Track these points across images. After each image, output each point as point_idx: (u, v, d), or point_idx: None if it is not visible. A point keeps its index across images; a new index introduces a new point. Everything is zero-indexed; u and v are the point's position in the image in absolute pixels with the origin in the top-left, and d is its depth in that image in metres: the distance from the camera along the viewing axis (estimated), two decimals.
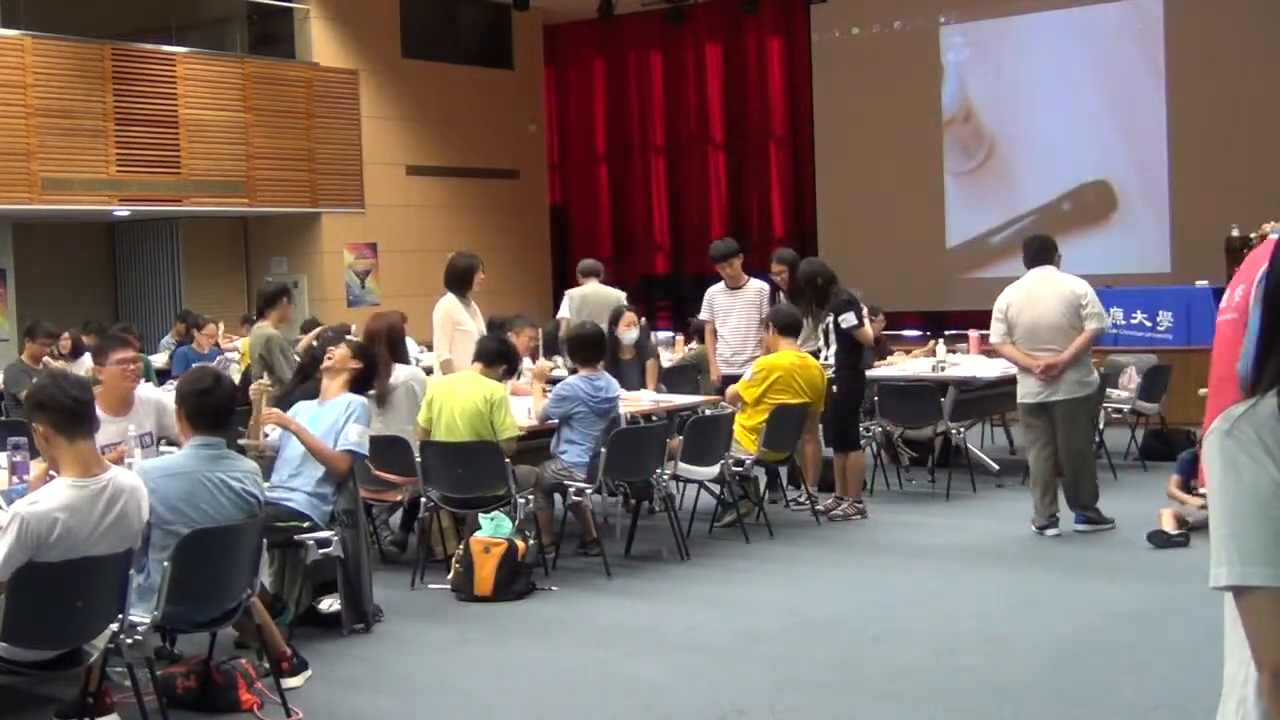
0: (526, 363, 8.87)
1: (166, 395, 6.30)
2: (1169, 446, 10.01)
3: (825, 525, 8.56)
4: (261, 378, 8.57)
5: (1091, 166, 15.62)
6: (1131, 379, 10.53)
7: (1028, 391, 7.95)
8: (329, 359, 6.52)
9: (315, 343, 8.75)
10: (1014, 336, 7.93)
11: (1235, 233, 10.96)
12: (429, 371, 8.49)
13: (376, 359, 6.70)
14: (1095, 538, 7.95)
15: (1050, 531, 7.95)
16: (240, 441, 6.27)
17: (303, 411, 6.33)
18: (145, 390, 6.37)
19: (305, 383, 7.41)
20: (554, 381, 8.01)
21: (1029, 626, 6.17)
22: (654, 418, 8.75)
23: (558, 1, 18.16)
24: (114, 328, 11.37)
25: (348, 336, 6.85)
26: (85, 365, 11.10)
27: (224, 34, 16.63)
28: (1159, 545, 7.42)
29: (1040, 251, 8.09)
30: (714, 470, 8.01)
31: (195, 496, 4.99)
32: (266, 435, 6.43)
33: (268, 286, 9.66)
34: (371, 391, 7.49)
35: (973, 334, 11.56)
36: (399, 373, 7.60)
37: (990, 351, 11.13)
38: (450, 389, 7.32)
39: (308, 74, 15.99)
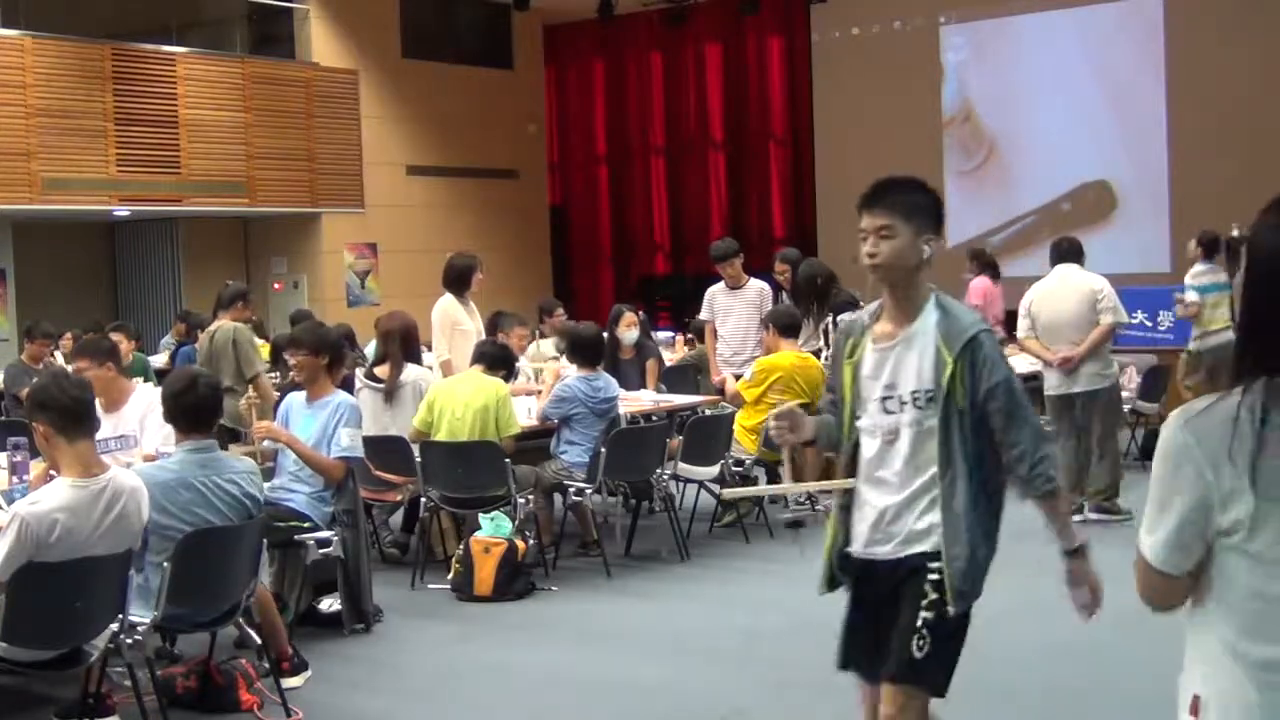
0: (524, 365, 8.87)
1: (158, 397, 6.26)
2: None
3: (825, 525, 8.55)
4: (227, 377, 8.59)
5: (1091, 166, 15.62)
6: (1131, 379, 10.53)
7: (1051, 385, 8.31)
8: (298, 371, 6.47)
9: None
10: (1037, 331, 8.28)
11: (1235, 233, 10.96)
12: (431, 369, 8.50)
13: (330, 336, 6.62)
14: (1096, 537, 7.95)
15: (1075, 518, 8.05)
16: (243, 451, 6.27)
17: (295, 409, 6.31)
18: (144, 391, 6.34)
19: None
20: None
21: (1028, 626, 6.17)
22: (654, 418, 8.75)
23: (558, 1, 18.16)
24: (109, 326, 11.40)
25: (291, 334, 6.82)
26: None
27: (224, 34, 16.62)
28: None
29: (1066, 252, 8.46)
30: (714, 470, 8.01)
31: (190, 503, 4.92)
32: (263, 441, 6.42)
33: (227, 289, 9.71)
34: (380, 385, 7.53)
35: None
36: (409, 371, 7.62)
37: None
38: (452, 389, 7.33)
39: (308, 74, 15.99)
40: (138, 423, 6.08)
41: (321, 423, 6.14)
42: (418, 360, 7.92)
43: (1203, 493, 1.71)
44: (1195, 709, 1.74)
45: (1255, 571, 1.68)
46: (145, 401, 6.15)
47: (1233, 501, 1.69)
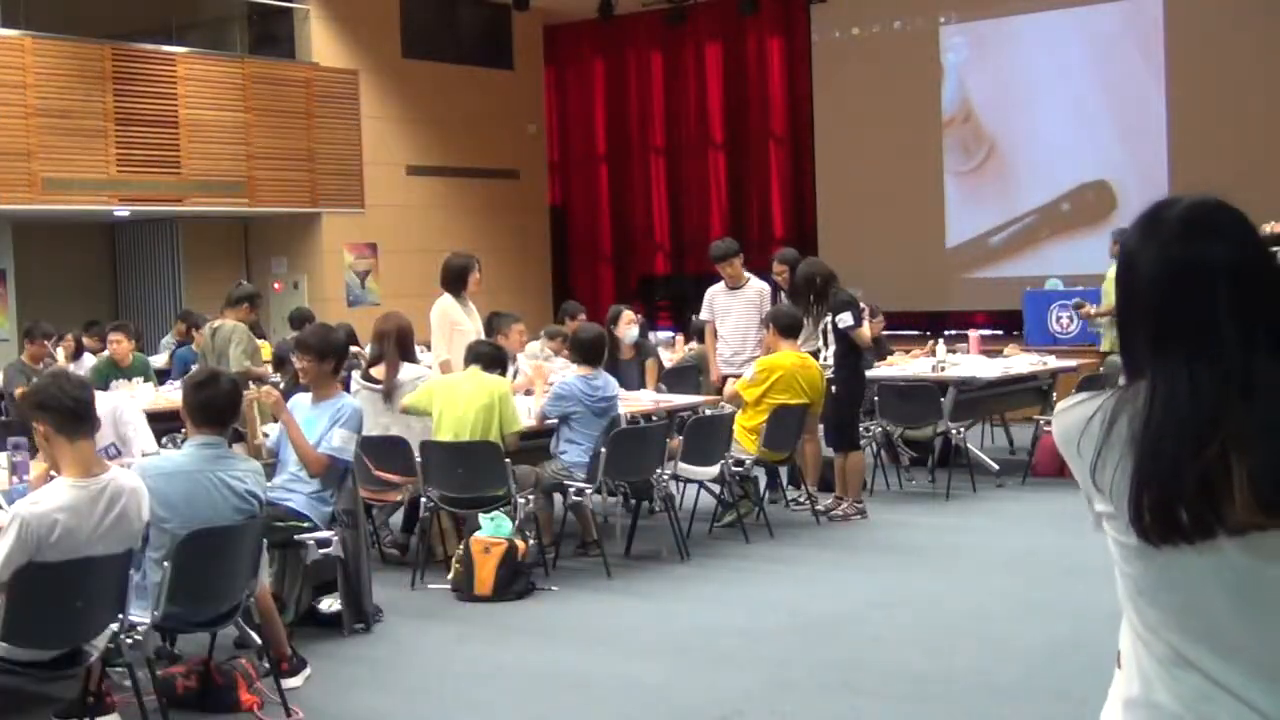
0: (522, 363, 8.87)
1: (123, 401, 6.19)
2: None
3: (825, 525, 8.56)
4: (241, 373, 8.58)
5: (1091, 166, 15.61)
6: None
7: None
8: (304, 376, 6.47)
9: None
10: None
11: (1268, 229, 10.93)
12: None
13: (337, 341, 6.64)
14: (1094, 537, 7.95)
15: None
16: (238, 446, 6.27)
17: (298, 409, 6.32)
18: (101, 399, 6.23)
19: (300, 384, 7.44)
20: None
21: (1028, 626, 6.17)
22: (654, 418, 8.75)
23: (558, 1, 18.16)
24: (109, 326, 11.40)
25: (297, 337, 6.87)
26: (86, 366, 11.12)
27: (224, 34, 16.62)
28: None
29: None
30: (714, 470, 8.01)
31: (194, 496, 4.98)
32: (266, 436, 6.42)
33: (239, 288, 9.72)
34: (378, 386, 7.54)
35: (972, 334, 11.57)
36: (406, 371, 7.63)
37: (990, 351, 11.17)
38: (454, 387, 7.34)
39: (308, 74, 15.99)
40: (112, 431, 6.03)
41: (324, 424, 6.14)
42: (413, 360, 7.92)
43: (1081, 481, 1.83)
44: (1119, 662, 1.89)
45: (1117, 552, 1.82)
46: (109, 408, 6.07)
47: (1093, 494, 1.80)
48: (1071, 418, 1.82)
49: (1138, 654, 1.82)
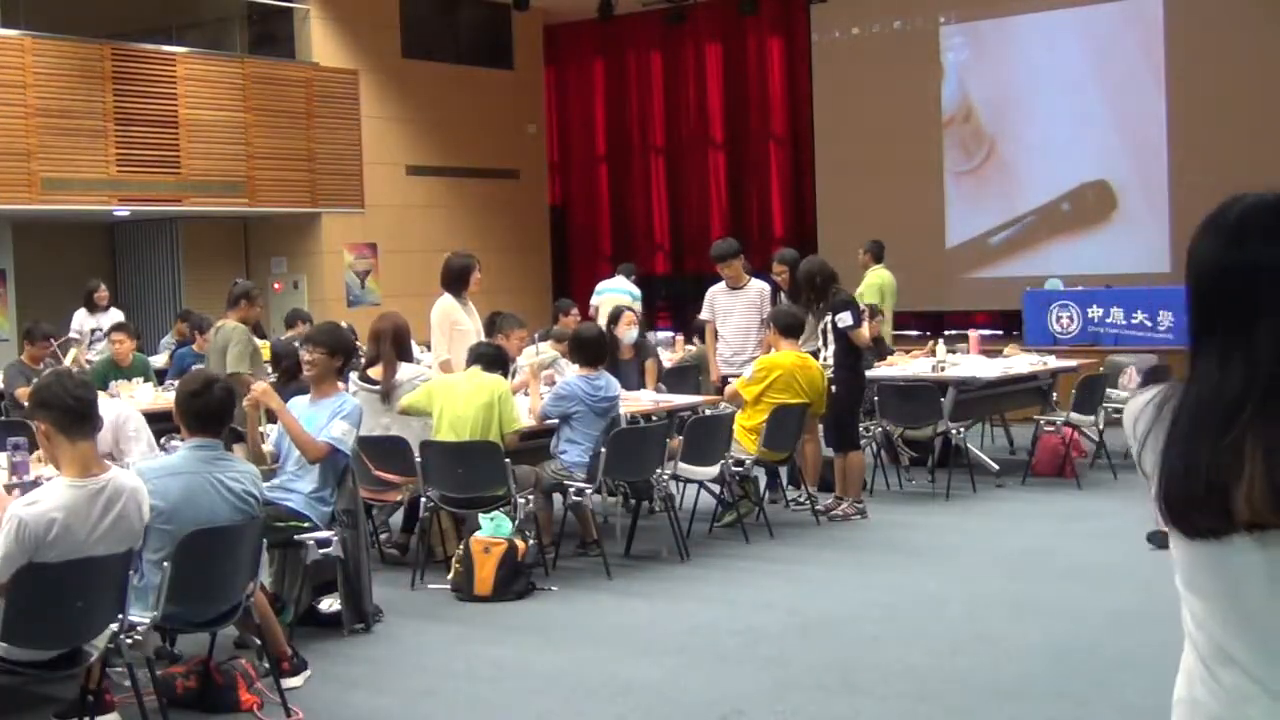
0: (523, 363, 8.87)
1: (131, 411, 6.15)
2: None
3: (825, 525, 8.56)
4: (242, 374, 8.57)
5: (1091, 166, 15.62)
6: (1131, 379, 10.55)
7: None
8: (310, 369, 6.46)
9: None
10: None
11: None
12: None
13: (348, 341, 6.64)
14: (1094, 537, 7.96)
15: None
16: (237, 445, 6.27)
17: (296, 408, 6.32)
18: (108, 406, 6.21)
19: (292, 382, 7.44)
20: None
21: (1028, 626, 6.17)
22: (654, 418, 8.75)
23: (558, 1, 18.16)
24: (109, 326, 11.39)
25: (308, 332, 6.88)
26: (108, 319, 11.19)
27: (224, 34, 16.62)
28: (1159, 545, 7.43)
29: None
30: (714, 470, 8.01)
31: (195, 496, 4.99)
32: (265, 436, 6.42)
33: (236, 287, 9.72)
34: (378, 386, 7.53)
35: (972, 334, 11.56)
36: (405, 370, 7.62)
37: (989, 351, 11.16)
38: (453, 387, 7.33)
39: (308, 74, 15.99)
40: (112, 437, 6.01)
41: (323, 420, 6.14)
42: (410, 360, 7.92)
43: (1143, 467, 1.84)
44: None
45: (1169, 541, 1.80)
46: (115, 415, 6.07)
47: (1145, 480, 1.81)
48: (1135, 404, 1.85)
49: (1186, 651, 1.83)
